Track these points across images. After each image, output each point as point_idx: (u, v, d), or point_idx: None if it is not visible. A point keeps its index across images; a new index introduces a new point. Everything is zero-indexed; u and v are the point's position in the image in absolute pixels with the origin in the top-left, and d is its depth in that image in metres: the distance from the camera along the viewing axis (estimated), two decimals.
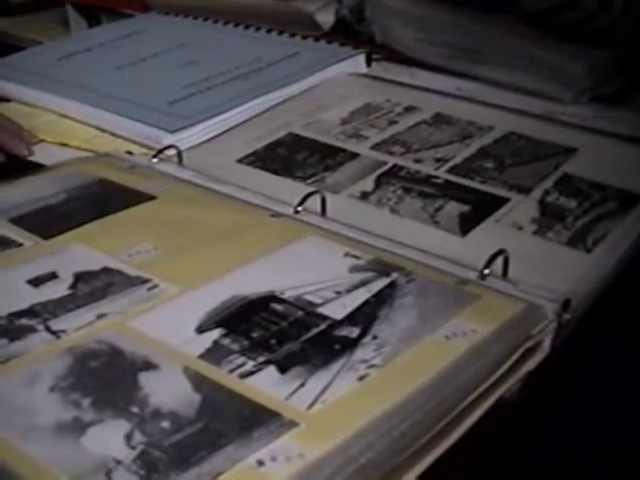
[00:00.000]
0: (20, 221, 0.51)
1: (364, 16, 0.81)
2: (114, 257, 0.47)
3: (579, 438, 0.39)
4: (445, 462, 0.36)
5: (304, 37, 0.83)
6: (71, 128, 0.68)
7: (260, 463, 0.32)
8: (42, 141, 0.67)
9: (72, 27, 0.96)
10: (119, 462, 0.32)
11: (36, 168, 0.61)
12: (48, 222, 0.51)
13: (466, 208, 0.54)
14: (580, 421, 0.40)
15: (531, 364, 0.41)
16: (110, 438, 0.34)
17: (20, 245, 0.49)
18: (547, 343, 0.42)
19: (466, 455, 0.37)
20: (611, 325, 0.45)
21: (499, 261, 0.46)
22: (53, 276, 0.45)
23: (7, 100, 0.74)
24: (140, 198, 0.54)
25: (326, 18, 0.83)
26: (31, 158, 0.64)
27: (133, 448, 0.33)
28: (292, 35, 0.83)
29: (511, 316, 0.42)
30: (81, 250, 0.48)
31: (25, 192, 0.55)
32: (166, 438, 0.34)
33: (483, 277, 0.45)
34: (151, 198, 0.54)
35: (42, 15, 1.00)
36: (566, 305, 0.43)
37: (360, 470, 0.33)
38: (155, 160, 0.59)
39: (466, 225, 0.52)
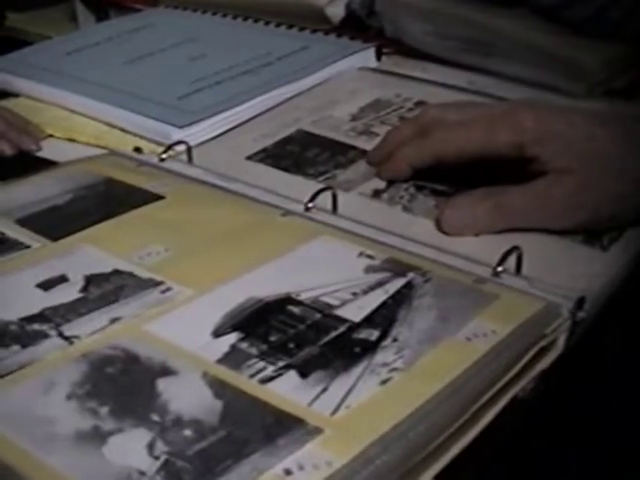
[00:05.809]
0: (27, 222, 0.50)
1: (374, 10, 0.81)
2: (125, 259, 0.46)
3: (594, 437, 0.39)
4: (460, 462, 0.36)
5: (314, 31, 0.82)
6: (80, 123, 0.68)
7: (288, 472, 0.31)
8: (50, 136, 0.66)
9: (80, 22, 0.95)
10: (143, 473, 0.31)
11: (43, 165, 0.60)
12: (55, 223, 0.50)
13: None
14: (594, 420, 0.40)
15: (545, 363, 0.41)
16: (132, 448, 0.33)
17: (27, 247, 0.47)
18: (561, 342, 0.41)
19: (480, 455, 0.37)
20: (626, 323, 0.45)
21: (512, 258, 0.45)
22: (63, 279, 0.44)
23: (16, 95, 0.74)
24: (148, 198, 0.53)
25: (336, 12, 0.82)
26: (40, 154, 0.64)
27: (156, 458, 0.32)
28: (301, 29, 0.83)
29: (530, 315, 0.41)
30: (90, 252, 0.47)
31: (31, 192, 0.54)
32: (189, 447, 0.33)
33: (496, 274, 0.45)
34: (159, 198, 0.53)
35: (50, 10, 1.00)
36: (580, 303, 0.42)
37: (378, 473, 0.32)
38: (164, 156, 0.59)
39: None
